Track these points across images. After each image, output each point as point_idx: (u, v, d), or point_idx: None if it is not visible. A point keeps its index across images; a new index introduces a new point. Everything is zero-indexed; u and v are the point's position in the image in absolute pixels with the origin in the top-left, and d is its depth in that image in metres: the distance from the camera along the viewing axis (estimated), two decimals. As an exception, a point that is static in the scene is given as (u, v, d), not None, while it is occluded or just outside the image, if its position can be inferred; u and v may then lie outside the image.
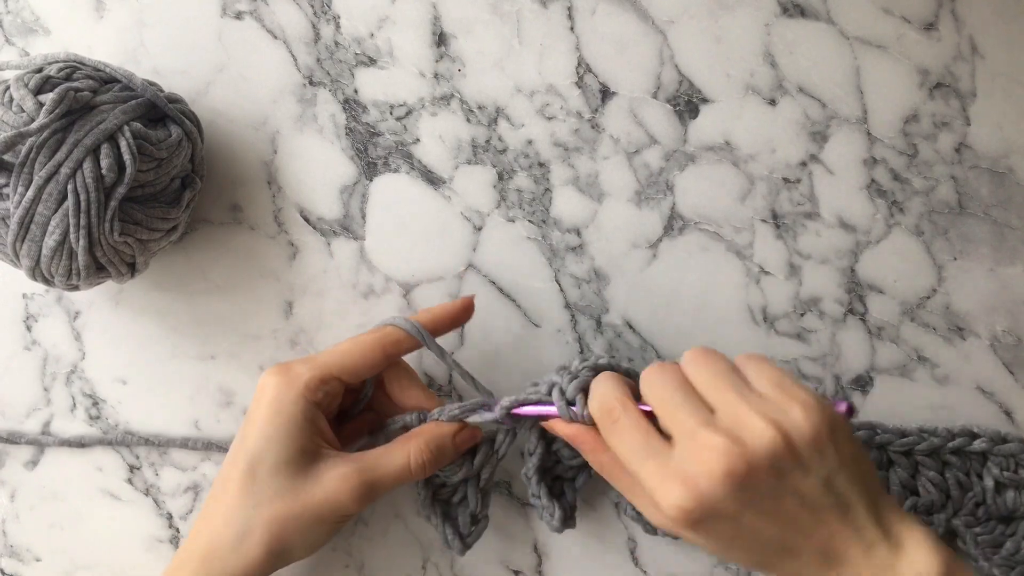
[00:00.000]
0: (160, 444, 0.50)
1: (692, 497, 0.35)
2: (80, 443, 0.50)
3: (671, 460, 0.36)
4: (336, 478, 0.42)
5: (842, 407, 0.38)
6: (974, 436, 0.48)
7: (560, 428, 0.42)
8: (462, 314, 0.46)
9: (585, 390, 0.42)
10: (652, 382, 0.38)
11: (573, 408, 0.41)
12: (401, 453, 0.43)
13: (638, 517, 0.47)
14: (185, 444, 0.50)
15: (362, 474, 0.42)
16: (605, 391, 0.40)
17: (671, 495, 0.35)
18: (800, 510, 0.35)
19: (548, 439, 0.46)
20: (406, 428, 0.45)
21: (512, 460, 0.49)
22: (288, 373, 0.43)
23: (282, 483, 0.41)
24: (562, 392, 0.42)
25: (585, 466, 0.47)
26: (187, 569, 0.41)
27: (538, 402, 0.43)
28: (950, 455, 0.48)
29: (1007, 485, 0.48)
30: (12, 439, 0.50)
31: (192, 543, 0.42)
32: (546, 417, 0.43)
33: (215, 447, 0.50)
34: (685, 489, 0.35)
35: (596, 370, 0.43)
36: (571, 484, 0.48)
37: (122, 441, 0.50)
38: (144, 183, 0.43)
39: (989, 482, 0.48)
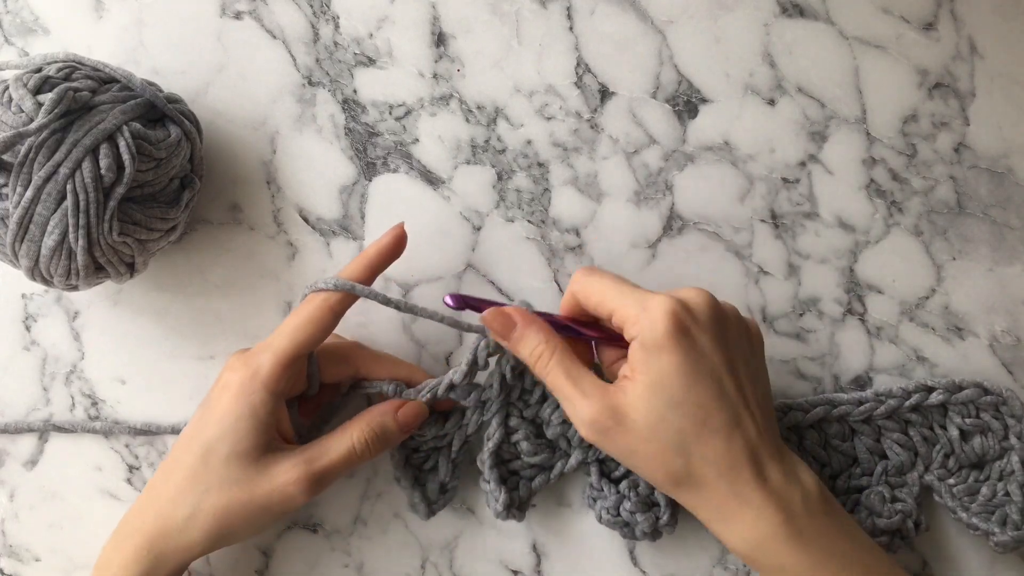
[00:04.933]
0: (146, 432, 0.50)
1: (672, 313, 0.40)
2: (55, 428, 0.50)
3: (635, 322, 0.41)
4: (284, 471, 0.43)
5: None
6: (930, 390, 0.48)
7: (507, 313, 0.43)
8: (395, 246, 0.45)
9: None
10: (590, 282, 0.43)
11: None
12: (344, 439, 0.44)
13: (615, 522, 0.47)
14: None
15: (310, 465, 0.43)
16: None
17: (658, 318, 0.40)
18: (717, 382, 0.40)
19: (508, 428, 0.47)
20: (382, 395, 0.47)
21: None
22: (251, 365, 0.43)
23: (232, 473, 0.42)
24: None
25: (545, 470, 0.48)
26: (133, 543, 0.43)
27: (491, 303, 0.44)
28: (910, 413, 0.48)
29: (972, 431, 0.48)
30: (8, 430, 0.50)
31: (137, 519, 0.43)
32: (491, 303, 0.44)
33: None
34: (666, 310, 0.40)
35: None
36: (527, 483, 0.48)
37: (112, 431, 0.50)
38: (143, 183, 0.43)
39: (954, 432, 0.48)
